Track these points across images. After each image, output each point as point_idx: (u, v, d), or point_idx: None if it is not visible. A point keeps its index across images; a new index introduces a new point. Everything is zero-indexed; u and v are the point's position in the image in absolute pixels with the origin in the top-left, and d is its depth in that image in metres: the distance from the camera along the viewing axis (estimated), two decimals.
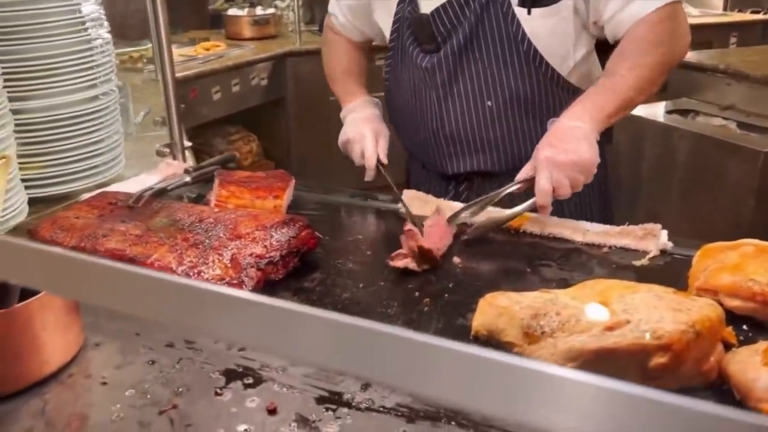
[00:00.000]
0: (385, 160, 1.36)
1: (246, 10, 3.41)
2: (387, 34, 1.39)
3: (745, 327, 0.87)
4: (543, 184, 1.11)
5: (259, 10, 3.43)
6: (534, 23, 1.21)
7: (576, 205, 1.28)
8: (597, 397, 0.28)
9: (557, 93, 1.27)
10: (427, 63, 1.29)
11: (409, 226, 1.08)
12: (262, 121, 3.43)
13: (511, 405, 0.30)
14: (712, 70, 2.47)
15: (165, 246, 1.04)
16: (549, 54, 1.23)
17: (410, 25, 1.32)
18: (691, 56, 2.59)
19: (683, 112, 2.44)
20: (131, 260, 1.02)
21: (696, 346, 0.71)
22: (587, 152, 1.12)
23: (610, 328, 0.74)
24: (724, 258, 0.91)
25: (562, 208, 1.23)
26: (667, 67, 1.21)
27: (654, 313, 0.74)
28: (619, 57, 1.19)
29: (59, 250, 0.43)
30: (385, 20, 1.39)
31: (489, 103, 1.28)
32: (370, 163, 1.34)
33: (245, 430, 0.72)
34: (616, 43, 1.23)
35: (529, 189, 1.15)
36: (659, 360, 0.70)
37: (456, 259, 1.08)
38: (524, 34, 1.22)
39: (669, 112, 2.44)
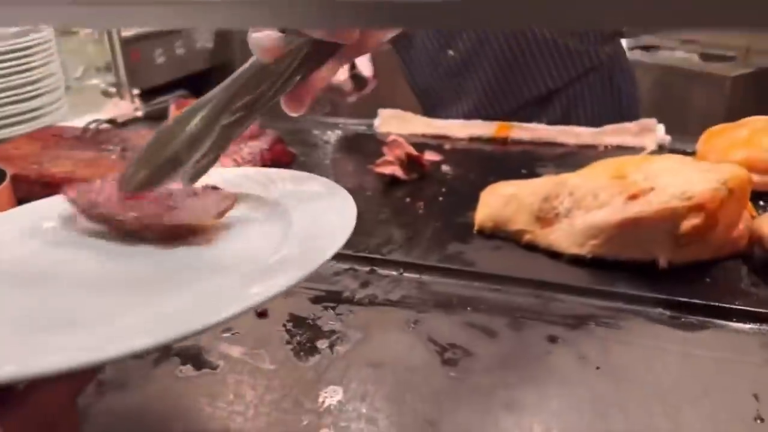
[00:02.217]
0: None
1: None
2: None
3: (762, 202, 0.81)
4: None
5: None
6: None
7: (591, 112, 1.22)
8: None
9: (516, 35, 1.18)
10: None
11: (393, 136, 1.00)
12: (211, 86, 3.28)
13: None
14: None
15: (120, 167, 0.93)
16: None
17: None
18: None
19: (645, 48, 2.42)
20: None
21: (728, 205, 0.65)
22: None
23: (633, 197, 0.67)
24: (733, 135, 0.85)
25: (577, 114, 1.18)
26: None
27: (679, 177, 0.67)
28: None
29: None
30: None
31: (450, 52, 1.22)
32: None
33: (233, 333, 0.62)
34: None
35: None
36: (692, 221, 0.63)
37: (445, 167, 1.00)
38: None
39: (631, 49, 2.41)
